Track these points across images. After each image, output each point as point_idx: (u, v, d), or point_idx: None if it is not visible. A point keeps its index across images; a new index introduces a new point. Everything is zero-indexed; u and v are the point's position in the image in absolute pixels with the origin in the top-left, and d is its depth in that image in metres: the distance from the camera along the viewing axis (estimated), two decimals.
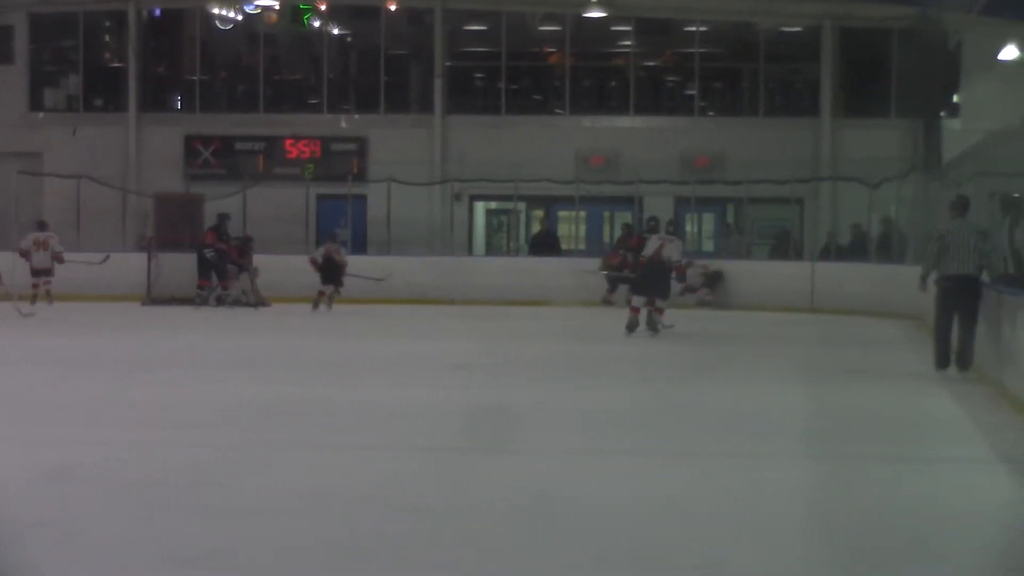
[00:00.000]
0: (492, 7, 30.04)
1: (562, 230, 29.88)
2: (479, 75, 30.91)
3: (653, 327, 18.92)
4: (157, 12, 31.53)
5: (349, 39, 31.36)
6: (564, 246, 28.94)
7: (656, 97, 30.37)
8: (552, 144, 28.70)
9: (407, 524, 7.08)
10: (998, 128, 16.50)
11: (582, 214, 29.00)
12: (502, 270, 26.73)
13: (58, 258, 24.38)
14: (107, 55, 32.02)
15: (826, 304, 24.11)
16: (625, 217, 29.17)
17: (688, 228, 29.36)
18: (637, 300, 19.05)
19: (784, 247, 27.86)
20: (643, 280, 19.03)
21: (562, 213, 30.01)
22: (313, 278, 23.83)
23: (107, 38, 32.07)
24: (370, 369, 14.76)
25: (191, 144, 30.19)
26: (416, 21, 30.78)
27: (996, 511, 7.81)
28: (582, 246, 29.09)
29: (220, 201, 27.01)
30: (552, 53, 30.73)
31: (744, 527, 7.18)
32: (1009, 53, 25.71)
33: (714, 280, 25.32)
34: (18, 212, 26.35)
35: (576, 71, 30.25)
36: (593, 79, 30.61)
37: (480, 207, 30.96)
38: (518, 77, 30.53)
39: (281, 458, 9.02)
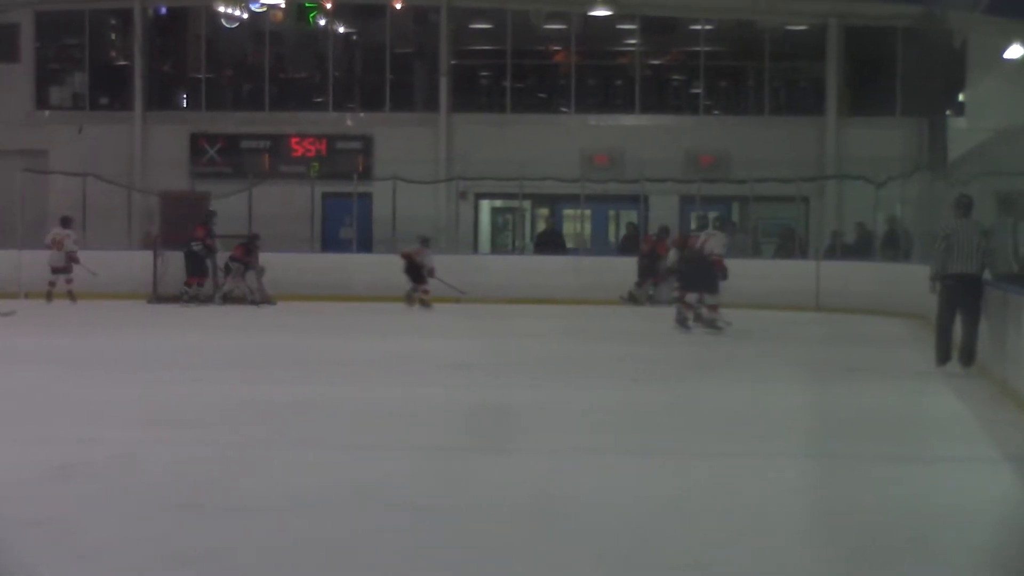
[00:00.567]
0: (497, 5, 30.02)
1: (567, 229, 29.85)
2: (484, 73, 30.90)
3: (713, 325, 19.07)
4: (163, 10, 31.54)
5: (354, 37, 31.36)
6: (569, 245, 28.91)
7: (661, 96, 30.37)
8: (557, 143, 28.70)
9: (407, 523, 7.08)
10: (1003, 127, 16.50)
11: (587, 213, 28.95)
12: (507, 268, 26.71)
13: (72, 257, 24.48)
14: (113, 53, 32.05)
15: (831, 303, 24.07)
16: (630, 216, 29.17)
17: (693, 227, 29.25)
18: (689, 296, 19.27)
19: (789, 246, 27.83)
20: (689, 276, 19.29)
21: (567, 212, 29.99)
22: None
23: (113, 36, 32.10)
24: (372, 368, 14.75)
25: (197, 142, 30.20)
26: (421, 19, 30.78)
27: (999, 510, 7.80)
28: (587, 245, 29.05)
29: (226, 199, 27.02)
30: (557, 52, 30.73)
31: (745, 526, 7.18)
32: (1014, 52, 25.70)
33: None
34: (24, 210, 26.34)
35: (581, 70, 30.25)
36: (598, 78, 30.60)
37: (485, 205, 30.97)
38: (523, 75, 30.52)
39: (281, 457, 9.02)
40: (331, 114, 30.33)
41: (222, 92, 31.04)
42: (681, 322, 19.15)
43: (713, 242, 19.19)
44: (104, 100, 31.05)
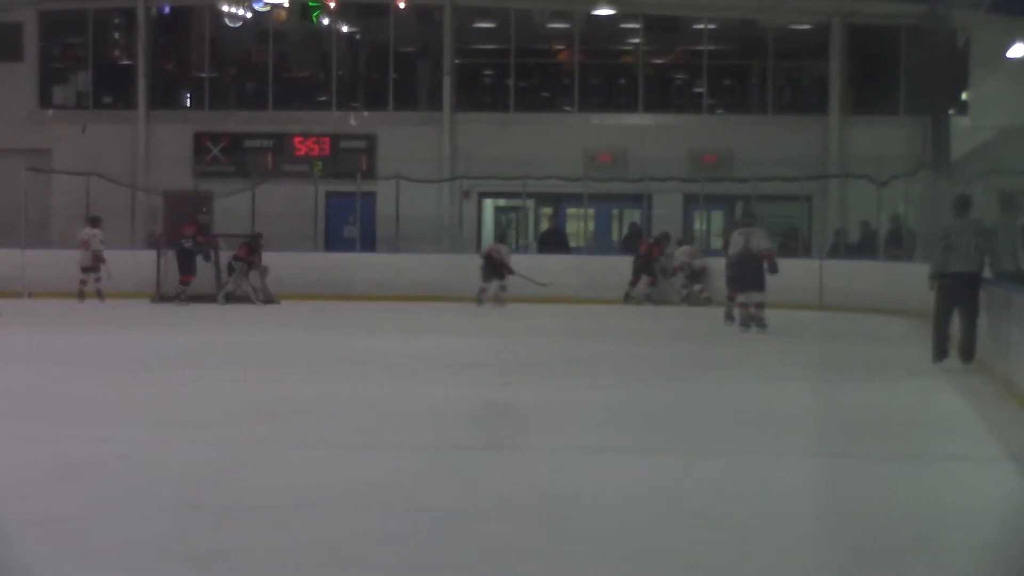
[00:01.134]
0: (501, 4, 30.05)
1: (570, 227, 29.88)
2: (488, 72, 30.94)
3: (760, 324, 19.16)
4: (166, 9, 31.58)
5: (358, 36, 31.38)
6: (572, 243, 28.92)
7: (665, 94, 30.39)
8: (561, 141, 28.73)
9: (411, 523, 7.08)
10: (1006, 125, 16.50)
11: (590, 211, 28.97)
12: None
13: (98, 256, 24.56)
14: (116, 52, 32.10)
15: (835, 302, 24.06)
16: (634, 215, 29.19)
17: (696, 226, 29.35)
18: (741, 297, 19.38)
19: (793, 244, 27.84)
20: (739, 276, 19.33)
21: (570, 210, 30.01)
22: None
23: (116, 35, 32.16)
24: (376, 366, 14.74)
25: (200, 141, 30.24)
26: (425, 18, 30.79)
27: (1003, 509, 7.79)
28: (591, 243, 29.06)
29: (229, 198, 27.05)
30: (561, 50, 30.77)
31: (749, 525, 7.17)
32: (1017, 51, 25.68)
33: (700, 275, 25.23)
34: (27, 209, 26.36)
35: (585, 68, 30.26)
36: (602, 76, 30.62)
37: (489, 204, 30.99)
38: (527, 74, 30.55)
39: (285, 456, 9.02)
40: (334, 113, 30.37)
41: (226, 91, 31.08)
42: (743, 322, 19.28)
43: (757, 239, 19.28)
44: (108, 99, 31.10)
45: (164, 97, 31.20)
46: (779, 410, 11.68)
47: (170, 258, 25.04)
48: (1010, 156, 15.69)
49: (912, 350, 16.47)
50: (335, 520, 7.10)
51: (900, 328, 20.21)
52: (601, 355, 16.27)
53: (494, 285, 24.42)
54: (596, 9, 29.13)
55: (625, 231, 29.31)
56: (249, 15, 28.14)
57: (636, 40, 30.38)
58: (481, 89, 30.85)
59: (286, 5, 28.37)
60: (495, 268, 24.52)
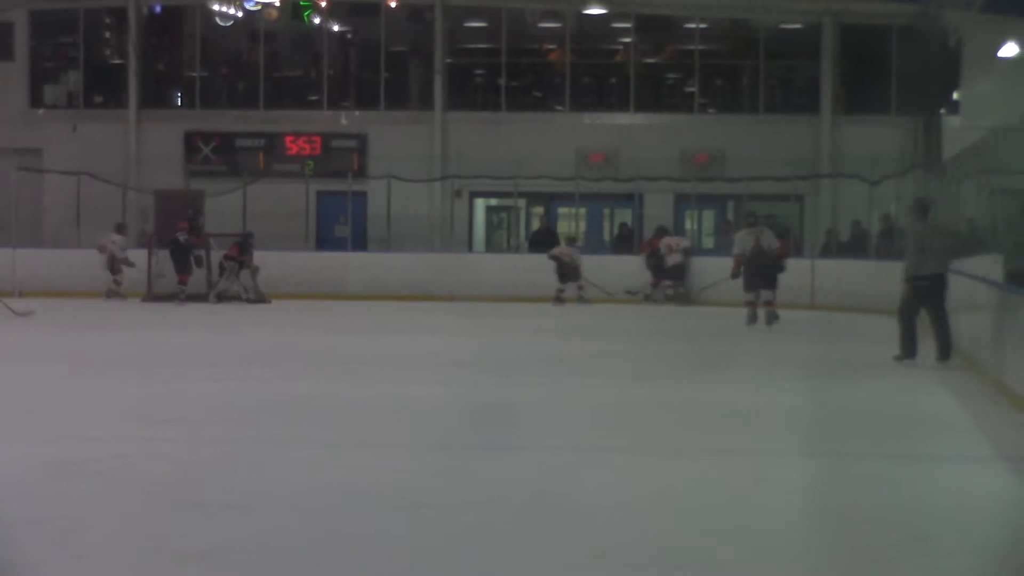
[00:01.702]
0: (492, 3, 30.06)
1: (562, 227, 29.86)
2: (479, 72, 30.95)
3: (770, 319, 19.67)
4: (157, 9, 31.57)
5: (349, 36, 31.37)
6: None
7: (656, 94, 30.41)
8: (552, 141, 28.75)
9: (406, 521, 7.08)
10: (998, 125, 16.48)
11: (582, 211, 29.01)
12: (502, 267, 26.74)
13: (124, 261, 24.69)
14: (107, 52, 32.06)
15: (826, 301, 24.09)
16: (625, 214, 29.20)
17: (688, 225, 29.38)
18: (759, 295, 19.88)
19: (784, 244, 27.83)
20: (751, 275, 19.81)
21: (562, 210, 30.02)
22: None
23: (107, 35, 32.11)
24: (368, 366, 14.72)
25: (191, 141, 30.22)
26: (416, 18, 30.79)
27: (996, 509, 7.80)
28: (582, 243, 29.07)
29: (220, 197, 27.03)
30: (552, 50, 30.76)
31: (742, 524, 7.17)
32: (1009, 50, 25.70)
33: (678, 273, 25.26)
34: (18, 209, 26.31)
35: (576, 68, 30.27)
36: (593, 76, 30.64)
37: (480, 204, 30.99)
38: (518, 74, 30.56)
39: (280, 455, 9.01)
40: (326, 112, 30.35)
41: (217, 90, 31.05)
42: (750, 319, 19.82)
43: (767, 237, 19.84)
44: (99, 98, 31.07)
45: (155, 96, 31.17)
46: (772, 409, 11.69)
47: (162, 257, 25.01)
48: (1001, 156, 15.69)
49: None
50: (330, 519, 7.09)
51: (892, 328, 20.10)
52: (593, 354, 16.27)
53: (571, 286, 24.46)
54: (587, 8, 29.17)
55: (616, 231, 29.31)
56: (240, 14, 28.13)
57: (627, 39, 30.39)
58: (472, 88, 30.85)
59: (277, 4, 28.40)
60: (569, 270, 24.63)
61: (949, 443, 10.02)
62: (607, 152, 29.18)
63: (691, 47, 30.03)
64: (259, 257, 24.92)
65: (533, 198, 30.03)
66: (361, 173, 29.21)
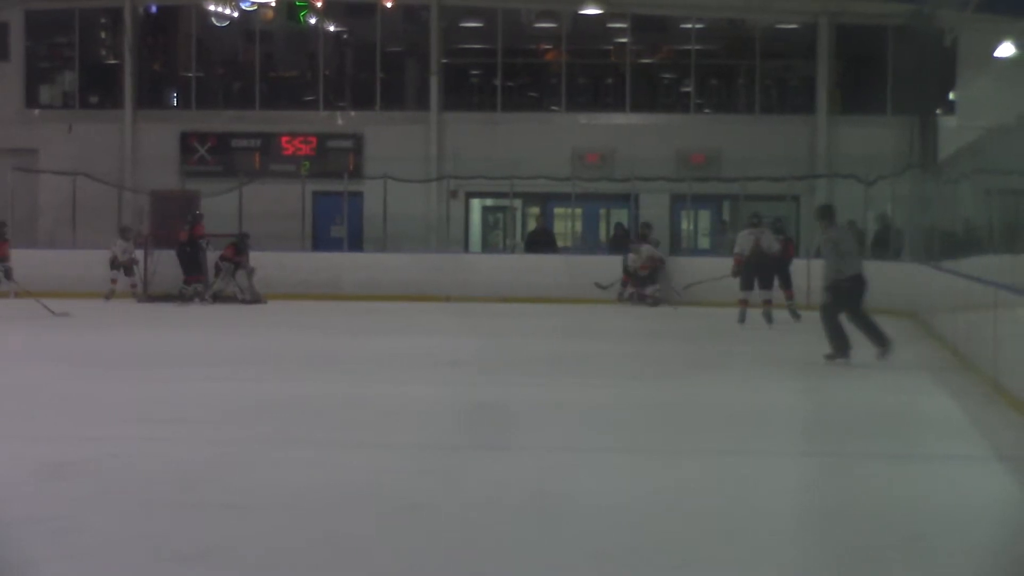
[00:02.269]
0: (488, 4, 30.04)
1: (558, 227, 29.87)
2: (475, 72, 30.92)
3: (768, 318, 20.10)
4: (153, 9, 31.51)
5: (345, 36, 31.32)
6: (560, 243, 28.91)
7: (652, 94, 30.40)
8: (548, 141, 28.74)
9: (403, 521, 7.09)
10: (994, 125, 16.49)
11: (578, 211, 28.99)
12: (498, 267, 26.72)
13: (128, 262, 24.77)
14: (103, 52, 32.03)
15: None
16: (621, 215, 29.21)
17: (683, 225, 29.39)
18: (743, 294, 20.35)
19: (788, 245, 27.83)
20: (749, 275, 20.26)
21: (558, 210, 30.00)
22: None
23: (103, 35, 32.07)
24: (366, 366, 14.74)
25: (187, 141, 30.19)
26: (412, 18, 30.77)
27: (991, 508, 7.80)
28: (578, 243, 29.08)
29: (216, 198, 27.01)
30: (548, 50, 30.74)
31: (740, 525, 7.18)
32: (1005, 50, 25.71)
33: (656, 273, 25.22)
34: (14, 209, 26.28)
35: (572, 68, 30.26)
36: (589, 76, 30.63)
37: (476, 204, 30.97)
38: (514, 74, 30.54)
39: (276, 455, 9.01)
40: (322, 113, 30.33)
41: (212, 91, 31.02)
42: (741, 318, 20.20)
43: (767, 238, 20.28)
44: (94, 99, 31.03)
45: (151, 97, 31.14)
46: (768, 409, 11.70)
47: (157, 258, 24.99)
48: (998, 155, 15.70)
49: (900, 350, 16.49)
50: (326, 519, 7.10)
51: (887, 328, 20.18)
52: (590, 354, 16.27)
53: (650, 288, 24.42)
54: (583, 8, 29.15)
55: (612, 231, 29.31)
56: (236, 14, 28.09)
57: (623, 40, 30.36)
58: (468, 89, 30.82)
59: (273, 4, 28.36)
60: (653, 272, 24.68)
61: (946, 443, 10.04)
62: (603, 152, 29.18)
63: (687, 47, 30.01)
64: (255, 257, 24.91)
65: (529, 198, 30.04)
66: (357, 173, 29.19)
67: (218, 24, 28.67)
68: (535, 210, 30.35)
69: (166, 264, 24.86)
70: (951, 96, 28.30)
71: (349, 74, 31.15)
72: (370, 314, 22.44)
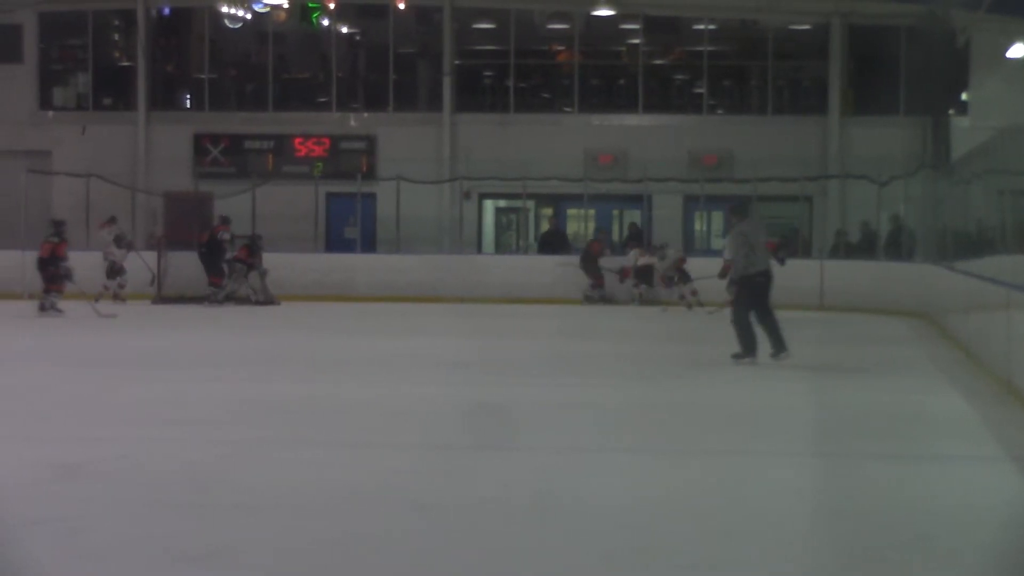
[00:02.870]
0: (501, 5, 30.05)
1: (571, 228, 29.89)
2: (488, 73, 30.94)
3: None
4: (166, 11, 31.60)
5: (358, 37, 31.37)
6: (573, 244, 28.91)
7: (664, 95, 30.40)
8: (561, 142, 28.75)
9: (410, 522, 7.08)
10: (1006, 126, 16.46)
11: (591, 212, 28.98)
12: (511, 268, 26.74)
13: (120, 269, 24.80)
14: (116, 54, 32.12)
15: (835, 302, 24.06)
16: (634, 215, 29.19)
17: (696, 226, 29.37)
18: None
19: (793, 245, 27.81)
20: None
21: (571, 211, 30.02)
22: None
23: (116, 37, 32.17)
24: (376, 367, 14.76)
25: (200, 142, 30.24)
26: (425, 19, 30.80)
27: (1002, 509, 7.78)
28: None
29: (229, 199, 27.04)
30: (560, 51, 30.76)
31: (747, 525, 7.16)
32: (1017, 51, 25.67)
33: (647, 274, 25.19)
34: (27, 211, 26.35)
35: (584, 69, 30.27)
36: (601, 77, 30.64)
37: (489, 205, 30.99)
38: (527, 75, 30.56)
39: (284, 456, 9.02)
40: (335, 114, 30.37)
41: (226, 92, 31.09)
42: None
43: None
44: (107, 100, 31.11)
45: (164, 98, 31.21)
46: (774, 410, 11.68)
47: (170, 259, 25.04)
48: (1010, 156, 15.67)
49: (913, 350, 16.52)
50: (333, 520, 7.10)
51: (900, 328, 20.21)
52: (600, 354, 16.28)
53: (687, 288, 24.39)
54: (596, 10, 29.13)
55: (626, 232, 29.30)
56: (249, 16, 28.14)
57: (636, 41, 30.37)
58: (481, 90, 30.84)
59: (286, 6, 28.38)
60: (684, 273, 24.61)
61: (957, 443, 10.00)
62: (616, 153, 29.17)
63: (699, 48, 30.02)
64: (268, 259, 24.96)
65: (542, 199, 30.05)
66: (370, 175, 29.23)
67: (231, 26, 28.72)
68: (548, 211, 30.37)
69: (179, 266, 24.91)
70: (963, 97, 28.27)
71: (362, 76, 31.18)
72: (382, 315, 22.46)
